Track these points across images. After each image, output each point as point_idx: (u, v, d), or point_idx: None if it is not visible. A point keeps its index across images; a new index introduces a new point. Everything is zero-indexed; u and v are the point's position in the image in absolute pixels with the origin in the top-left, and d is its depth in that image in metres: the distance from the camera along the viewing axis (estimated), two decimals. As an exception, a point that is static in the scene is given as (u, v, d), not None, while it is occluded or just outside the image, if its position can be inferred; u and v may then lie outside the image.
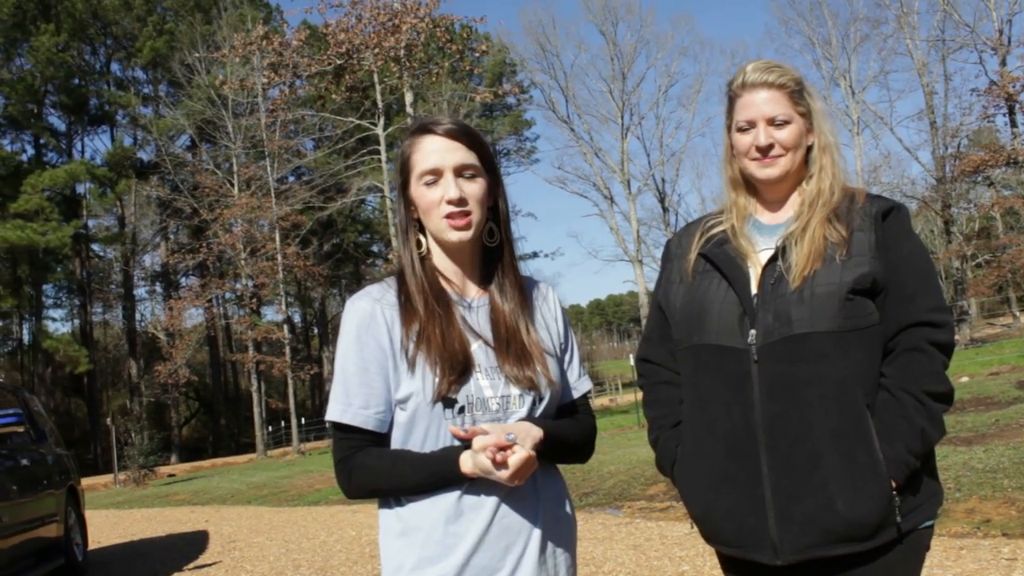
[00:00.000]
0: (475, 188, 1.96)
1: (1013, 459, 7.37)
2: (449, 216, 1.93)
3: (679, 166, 48.99)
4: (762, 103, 2.13)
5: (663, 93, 48.27)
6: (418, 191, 1.96)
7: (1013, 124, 33.56)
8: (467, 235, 1.96)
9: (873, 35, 41.42)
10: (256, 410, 38.45)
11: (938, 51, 37.98)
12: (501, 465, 1.78)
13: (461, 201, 1.93)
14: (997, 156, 33.12)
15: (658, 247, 47.95)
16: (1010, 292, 40.91)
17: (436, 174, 1.94)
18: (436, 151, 1.95)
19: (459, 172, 1.95)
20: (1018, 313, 47.10)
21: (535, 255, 56.11)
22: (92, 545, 10.77)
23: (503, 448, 1.79)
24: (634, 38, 47.26)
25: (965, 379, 16.27)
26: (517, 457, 1.79)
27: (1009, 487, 6.69)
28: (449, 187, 1.93)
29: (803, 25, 43.93)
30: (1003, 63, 34.10)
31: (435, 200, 1.94)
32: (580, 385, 2.14)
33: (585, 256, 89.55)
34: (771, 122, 2.13)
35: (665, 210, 47.64)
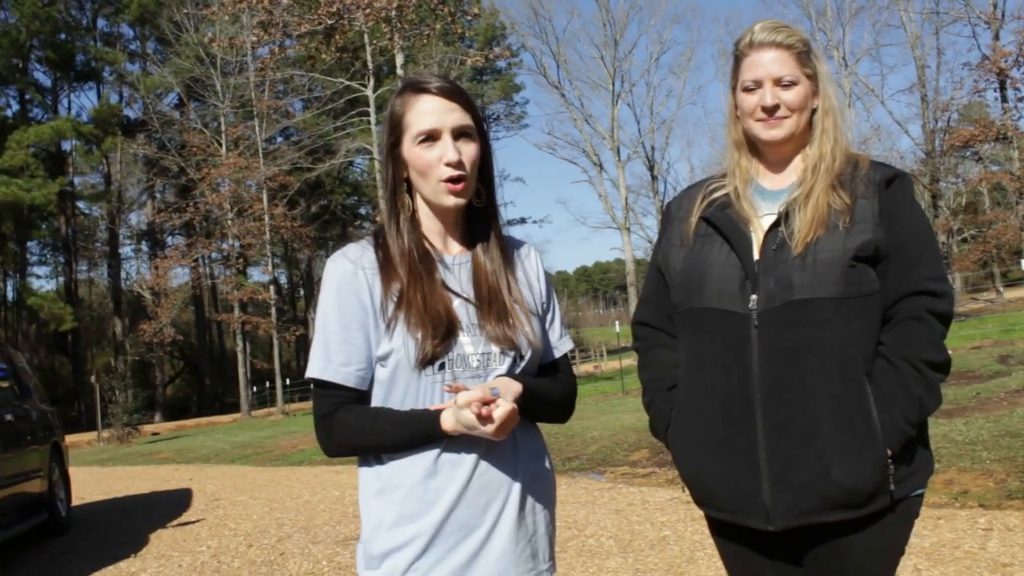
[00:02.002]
0: (471, 150, 1.95)
1: (992, 432, 7.44)
2: (448, 180, 1.91)
3: (669, 134, 48.96)
4: (769, 63, 2.10)
5: (655, 60, 48.17)
6: (413, 152, 1.94)
7: (1004, 99, 33.58)
8: (463, 200, 1.95)
9: (868, 7, 41.35)
10: (241, 370, 38.44)
11: (932, 24, 37.93)
12: (486, 419, 1.78)
13: (459, 164, 1.91)
14: (987, 131, 33.17)
15: (646, 215, 48.07)
16: (994, 267, 41.16)
17: (434, 135, 1.92)
18: (433, 111, 1.92)
19: (457, 134, 1.93)
20: (1002, 288, 47.41)
21: (523, 221, 55.96)
22: (76, 501, 10.78)
23: (487, 403, 1.78)
24: (627, 4, 46.99)
25: (947, 348, 16.37)
26: (501, 410, 1.78)
27: (987, 459, 6.76)
28: (448, 149, 1.91)
29: (798, -6, 43.74)
30: (996, 37, 34.06)
31: (432, 161, 1.91)
32: (561, 345, 2.14)
33: (573, 223, 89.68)
34: (778, 82, 2.10)
35: (654, 178, 47.59)
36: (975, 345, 17.64)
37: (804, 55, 2.12)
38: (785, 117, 2.11)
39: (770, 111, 2.11)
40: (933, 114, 37.13)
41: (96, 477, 16.43)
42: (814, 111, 2.16)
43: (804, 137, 2.17)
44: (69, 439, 11.28)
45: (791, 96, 2.11)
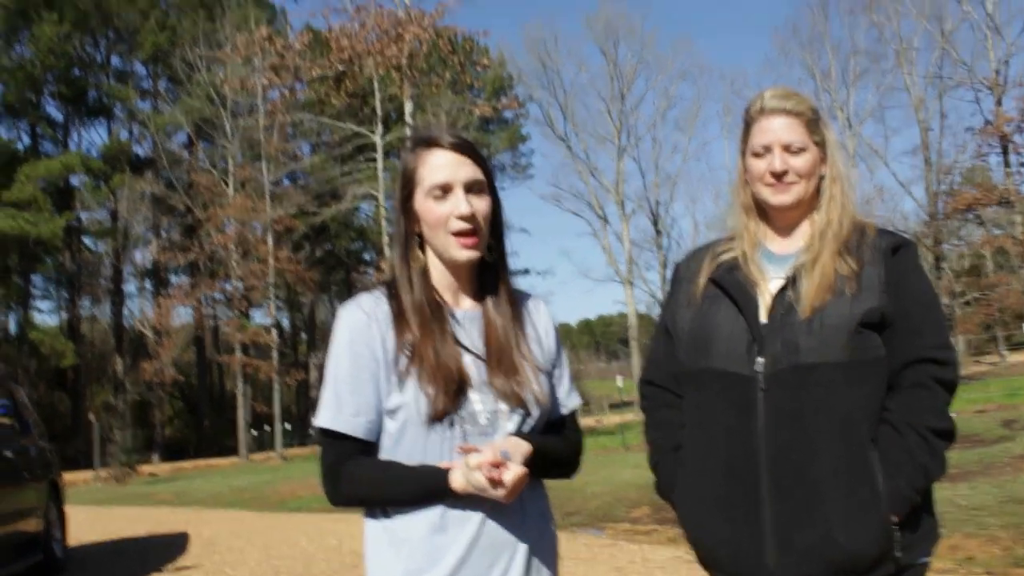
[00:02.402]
0: (483, 205, 1.96)
1: (998, 497, 7.39)
2: (459, 233, 1.93)
3: (674, 189, 48.91)
4: (779, 129, 2.14)
5: (661, 115, 48.48)
6: (425, 205, 1.95)
7: (1006, 164, 33.78)
8: (475, 254, 1.96)
9: (872, 69, 41.73)
10: (240, 413, 38.30)
11: (935, 88, 38.28)
12: (497, 483, 1.78)
13: (472, 217, 1.93)
14: (989, 195, 33.34)
15: (649, 269, 48.11)
16: (998, 331, 41.13)
17: (446, 189, 1.94)
18: (446, 165, 1.94)
19: (468, 188, 1.95)
20: (1005, 351, 47.29)
21: (527, 272, 56.06)
22: (71, 542, 10.69)
23: (497, 466, 1.78)
24: (635, 59, 47.38)
25: (952, 416, 16.30)
26: (512, 474, 1.79)
27: (993, 525, 6.70)
28: (460, 203, 1.92)
29: (803, 56, 44.18)
30: (999, 103, 34.35)
31: (444, 215, 1.93)
32: (569, 401, 2.14)
33: (576, 275, 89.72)
34: (787, 148, 2.13)
35: (658, 232, 47.68)
36: (979, 409, 17.58)
37: (813, 123, 2.16)
38: (794, 183, 2.14)
39: (779, 176, 2.14)
40: (936, 176, 37.33)
41: (93, 517, 16.31)
42: (822, 178, 2.20)
43: (812, 203, 2.20)
44: (66, 477, 11.22)
45: (800, 162, 2.14)
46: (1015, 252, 33.89)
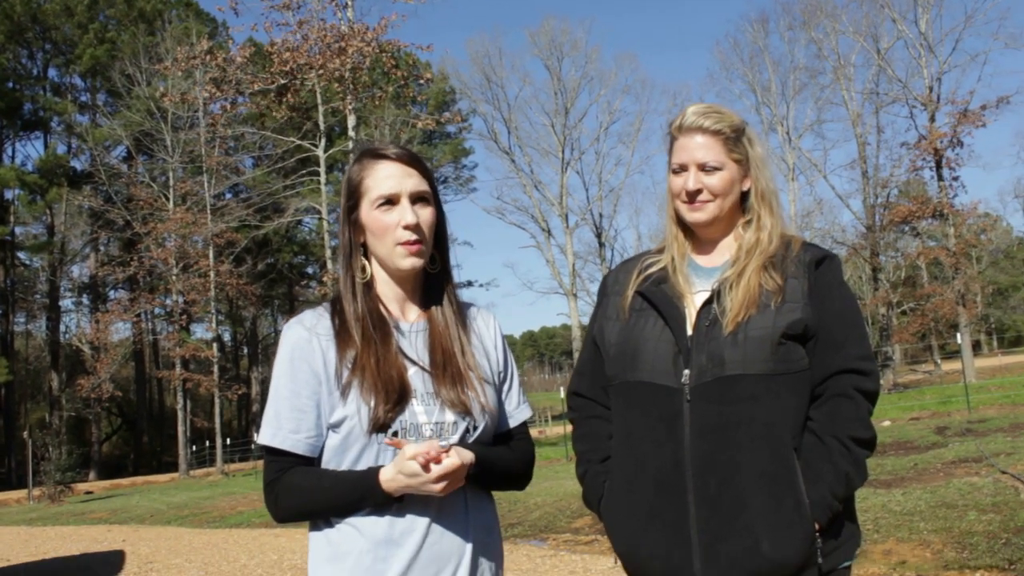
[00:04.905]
0: (428, 215, 1.98)
1: (930, 503, 7.55)
2: (405, 243, 1.94)
3: (617, 202, 49.37)
4: (695, 148, 2.17)
5: (604, 129, 48.84)
6: (371, 216, 1.97)
7: (940, 178, 34.68)
8: (420, 261, 1.98)
9: (811, 84, 42.64)
10: (180, 428, 37.71)
11: (872, 103, 39.22)
12: (427, 469, 1.78)
13: (417, 227, 1.94)
14: (924, 208, 34.22)
15: (593, 281, 48.37)
16: (932, 340, 42.06)
17: (393, 199, 1.95)
18: (392, 176, 1.96)
19: (414, 199, 1.96)
20: (939, 360, 48.39)
21: (470, 284, 55.98)
22: (0, 563, 10.42)
23: (434, 459, 1.79)
24: (578, 74, 47.84)
25: (887, 423, 16.64)
26: (447, 463, 1.79)
27: (925, 530, 6.85)
28: (406, 213, 1.94)
29: (744, 71, 45.04)
30: (932, 119, 35.26)
31: (390, 225, 1.95)
32: (519, 413, 2.16)
33: (520, 287, 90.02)
34: (702, 167, 2.17)
35: (601, 245, 48.05)
36: (913, 416, 17.95)
37: (732, 140, 2.19)
38: (708, 201, 2.18)
39: (692, 195, 2.18)
40: (873, 190, 38.18)
41: (24, 537, 15.92)
42: (745, 193, 2.24)
43: (732, 218, 2.24)
44: (-3, 497, 10.95)
45: (714, 181, 2.17)
46: (949, 263, 34.74)
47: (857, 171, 39.57)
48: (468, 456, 1.88)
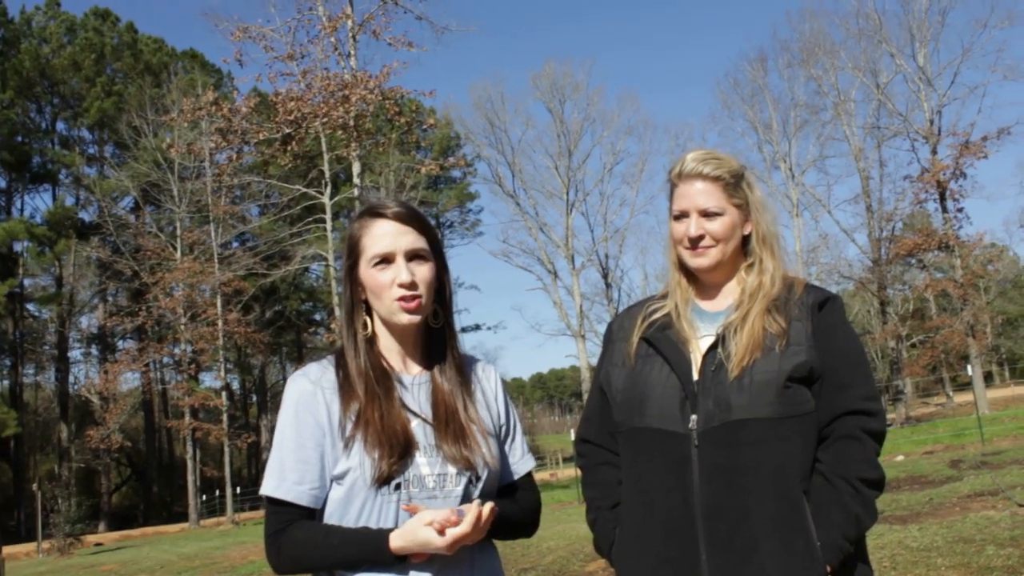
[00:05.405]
0: (425, 271, 2.00)
1: (946, 538, 7.47)
2: (401, 299, 1.97)
3: (623, 242, 49.46)
4: (696, 194, 2.20)
5: (608, 170, 49.04)
6: (368, 273, 1.99)
7: (944, 209, 34.74)
8: (417, 318, 1.99)
9: (812, 121, 42.90)
10: (190, 478, 37.56)
11: (873, 138, 39.45)
12: (442, 534, 1.80)
13: (412, 285, 1.97)
14: (929, 240, 34.24)
15: (601, 322, 48.38)
16: (943, 372, 41.84)
17: (388, 258, 1.98)
18: (387, 234, 1.99)
19: (410, 256, 1.99)
20: (951, 392, 48.09)
21: (478, 327, 56.09)
22: (12, 618, 10.35)
23: (450, 524, 1.81)
24: (581, 116, 48.15)
25: (900, 458, 16.52)
26: (462, 527, 1.81)
27: (943, 566, 6.77)
28: (401, 271, 1.97)
29: (745, 109, 45.32)
30: (934, 152, 35.40)
31: (386, 283, 1.97)
32: (523, 464, 2.17)
33: (528, 330, 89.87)
34: (703, 213, 2.19)
35: (608, 286, 48.09)
36: (927, 450, 17.82)
37: (732, 186, 2.22)
38: (710, 247, 2.21)
39: (694, 242, 2.21)
40: (878, 223, 38.25)
41: (34, 592, 15.82)
42: (746, 237, 2.26)
43: (735, 262, 2.27)
44: (6, 551, 10.90)
45: (716, 227, 2.20)
46: (956, 295, 34.69)
47: (861, 205, 39.75)
48: (489, 506, 1.89)
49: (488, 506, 1.87)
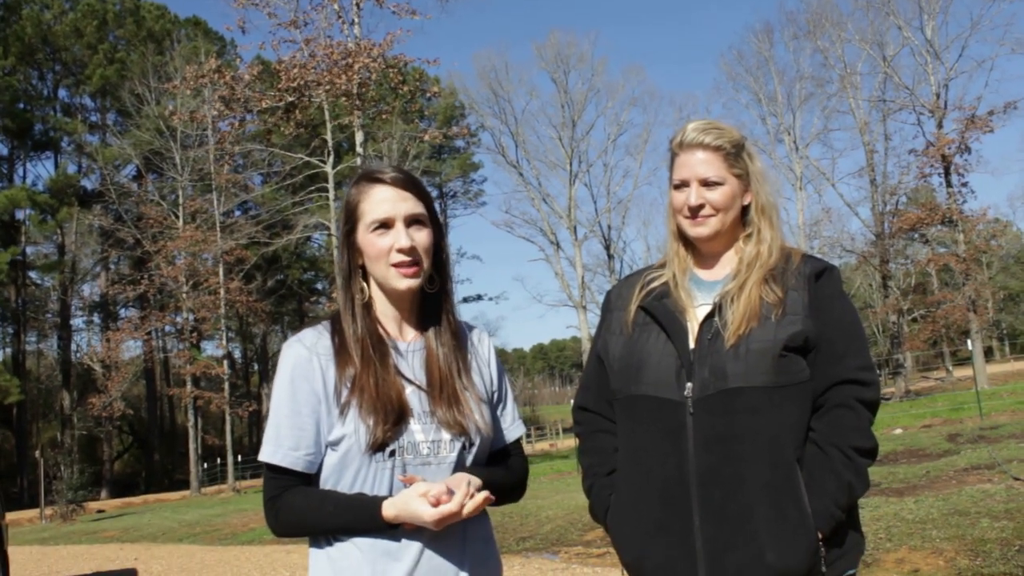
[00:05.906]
0: (423, 237, 2.01)
1: (942, 510, 7.52)
2: (399, 264, 1.98)
3: (625, 214, 49.47)
4: (696, 164, 2.20)
5: (612, 141, 48.96)
6: (367, 239, 2.00)
7: (948, 184, 34.62)
8: (415, 283, 2.00)
9: (817, 93, 42.68)
10: (192, 446, 37.78)
11: (879, 111, 39.23)
12: (435, 506, 1.83)
13: (412, 250, 1.98)
14: (933, 214, 34.16)
15: (602, 293, 48.30)
16: (944, 347, 41.88)
17: (387, 223, 1.99)
18: (387, 200, 1.99)
19: (409, 222, 2.00)
20: (951, 367, 48.16)
21: (479, 298, 56.25)
22: (15, 582, 10.46)
23: (444, 500, 1.84)
24: (585, 86, 48.01)
25: (899, 431, 16.59)
26: (451, 504, 1.83)
27: (938, 538, 6.82)
28: (400, 236, 1.97)
29: (750, 81, 45.10)
30: (939, 126, 35.23)
31: (385, 248, 1.98)
32: (513, 431, 2.19)
33: (530, 300, 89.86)
34: (704, 183, 2.20)
35: (610, 257, 48.12)
36: (925, 424, 17.89)
37: (733, 156, 2.22)
38: (710, 216, 2.21)
39: (694, 211, 2.21)
40: (882, 197, 38.14)
41: (36, 557, 15.95)
42: (746, 207, 2.27)
43: (734, 232, 2.27)
44: (9, 517, 10.97)
45: (716, 196, 2.21)
46: (959, 269, 34.66)
47: (865, 179, 39.60)
48: (476, 482, 1.92)
49: (482, 495, 1.89)
